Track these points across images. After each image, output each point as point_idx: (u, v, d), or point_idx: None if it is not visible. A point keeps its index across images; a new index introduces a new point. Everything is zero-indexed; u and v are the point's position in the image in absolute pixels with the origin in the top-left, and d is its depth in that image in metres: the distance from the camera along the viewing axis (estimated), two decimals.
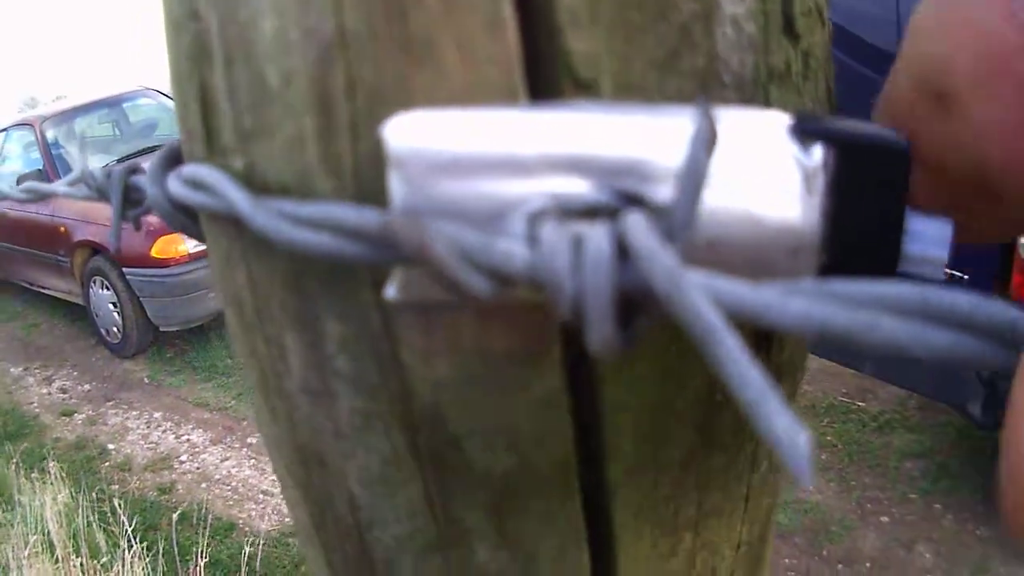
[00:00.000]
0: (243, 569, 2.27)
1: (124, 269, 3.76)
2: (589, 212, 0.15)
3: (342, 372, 0.21)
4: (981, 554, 2.05)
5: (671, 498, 0.24)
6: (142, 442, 3.40)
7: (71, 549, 2.33)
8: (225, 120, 0.21)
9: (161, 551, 2.35)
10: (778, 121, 0.16)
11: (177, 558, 2.33)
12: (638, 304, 0.13)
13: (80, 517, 2.52)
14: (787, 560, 2.15)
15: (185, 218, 0.27)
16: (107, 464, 3.28)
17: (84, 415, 3.72)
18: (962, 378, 1.90)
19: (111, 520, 2.45)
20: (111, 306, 3.98)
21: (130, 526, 2.28)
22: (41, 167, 4.42)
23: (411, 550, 0.24)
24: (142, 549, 2.28)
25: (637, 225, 0.13)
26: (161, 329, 3.94)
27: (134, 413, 3.64)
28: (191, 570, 2.26)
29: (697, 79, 0.19)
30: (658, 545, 0.25)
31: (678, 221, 0.13)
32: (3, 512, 2.70)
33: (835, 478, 2.40)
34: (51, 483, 2.69)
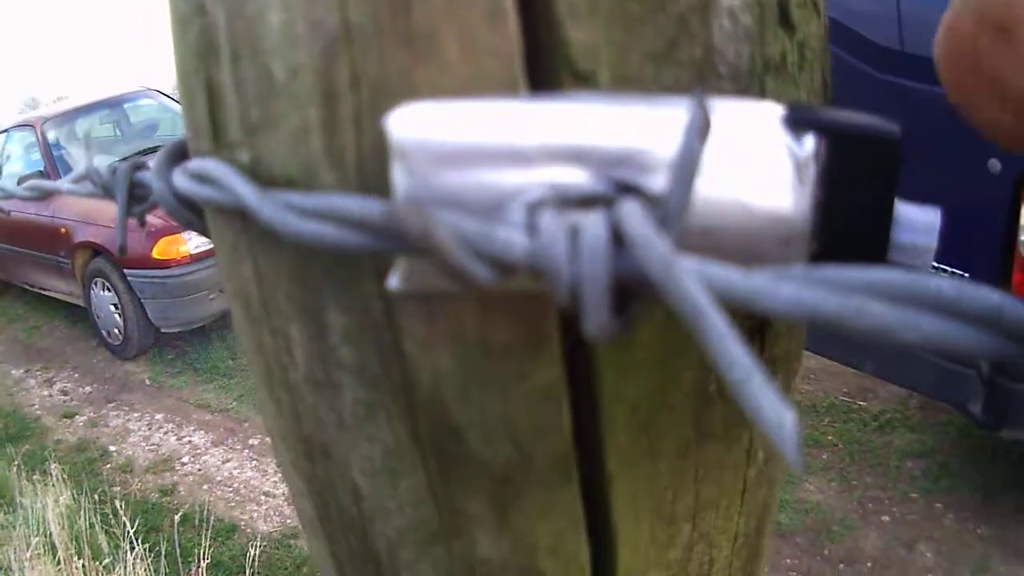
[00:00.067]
0: (246, 571, 2.27)
1: (125, 270, 3.76)
2: (586, 201, 0.15)
3: (346, 363, 0.22)
4: (982, 553, 2.05)
5: (668, 489, 0.24)
6: (143, 444, 3.40)
7: (73, 551, 2.33)
8: (232, 114, 0.22)
9: (163, 552, 2.35)
10: (771, 111, 0.16)
11: (179, 560, 2.34)
12: (633, 290, 0.14)
13: (82, 519, 2.52)
14: (788, 560, 2.15)
15: (190, 213, 0.28)
16: (109, 466, 3.28)
17: (85, 417, 3.72)
18: (963, 377, 1.90)
19: (113, 522, 2.45)
20: (112, 307, 3.98)
21: (132, 528, 2.28)
22: (42, 168, 4.42)
23: (414, 540, 0.24)
24: (144, 551, 2.28)
25: (632, 213, 0.13)
26: (162, 330, 3.94)
27: (135, 415, 3.64)
28: (193, 571, 2.26)
29: (694, 70, 0.19)
30: (656, 535, 0.25)
31: (672, 209, 0.13)
32: (5, 514, 2.70)
33: (836, 477, 2.40)
34: (53, 485, 2.69)
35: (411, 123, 0.16)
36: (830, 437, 2.56)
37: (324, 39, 0.19)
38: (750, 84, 0.20)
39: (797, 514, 2.28)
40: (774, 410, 0.10)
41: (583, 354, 0.21)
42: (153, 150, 4.49)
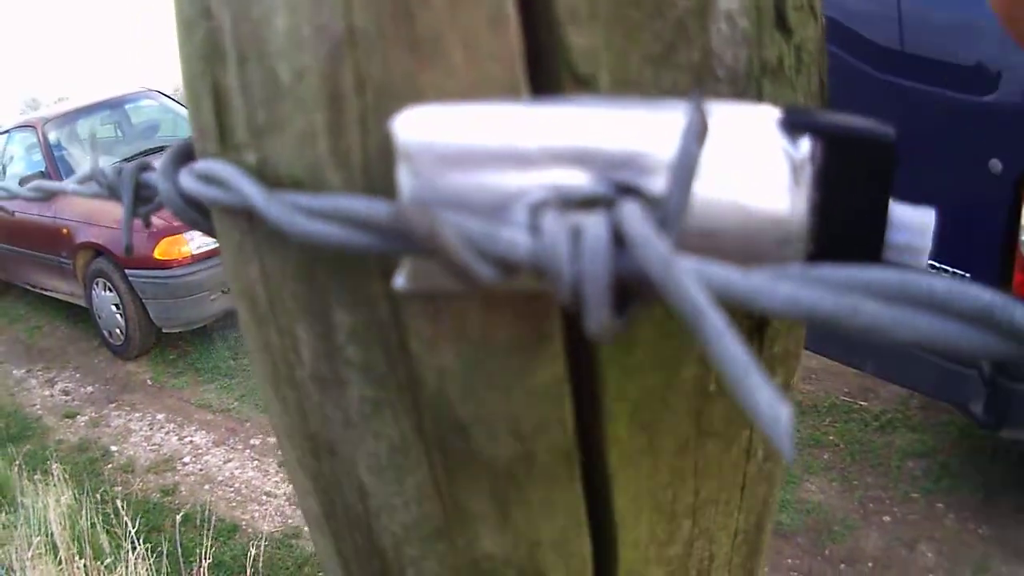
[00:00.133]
0: (248, 570, 2.27)
1: (127, 271, 3.77)
2: (588, 202, 0.15)
3: (352, 361, 0.22)
4: (983, 553, 2.05)
5: (669, 485, 0.25)
6: (145, 444, 3.41)
7: (75, 551, 2.34)
8: (238, 116, 0.22)
9: (165, 552, 2.36)
10: (768, 115, 0.16)
11: (181, 559, 2.34)
12: (633, 290, 0.14)
13: (83, 519, 2.52)
14: (790, 560, 2.15)
15: (196, 213, 0.28)
16: (110, 466, 3.28)
17: (87, 417, 3.72)
18: (964, 377, 1.90)
19: (114, 522, 2.45)
20: (113, 308, 3.98)
21: (133, 528, 2.28)
22: (43, 169, 4.43)
23: (419, 536, 0.24)
24: (146, 550, 2.29)
25: (633, 215, 0.14)
26: (164, 331, 3.95)
27: (137, 415, 3.64)
28: (195, 571, 2.26)
29: (692, 73, 0.19)
30: (657, 531, 0.25)
31: (671, 211, 0.14)
32: (6, 514, 2.70)
33: (837, 478, 2.40)
34: (54, 485, 2.69)
35: (416, 126, 0.17)
36: (831, 437, 2.56)
37: (329, 43, 0.19)
38: (747, 87, 0.20)
39: (798, 514, 2.28)
40: (770, 405, 0.11)
41: (585, 353, 0.22)
42: (155, 151, 4.50)
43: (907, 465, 2.38)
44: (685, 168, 0.14)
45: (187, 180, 0.25)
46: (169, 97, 5.28)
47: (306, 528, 2.62)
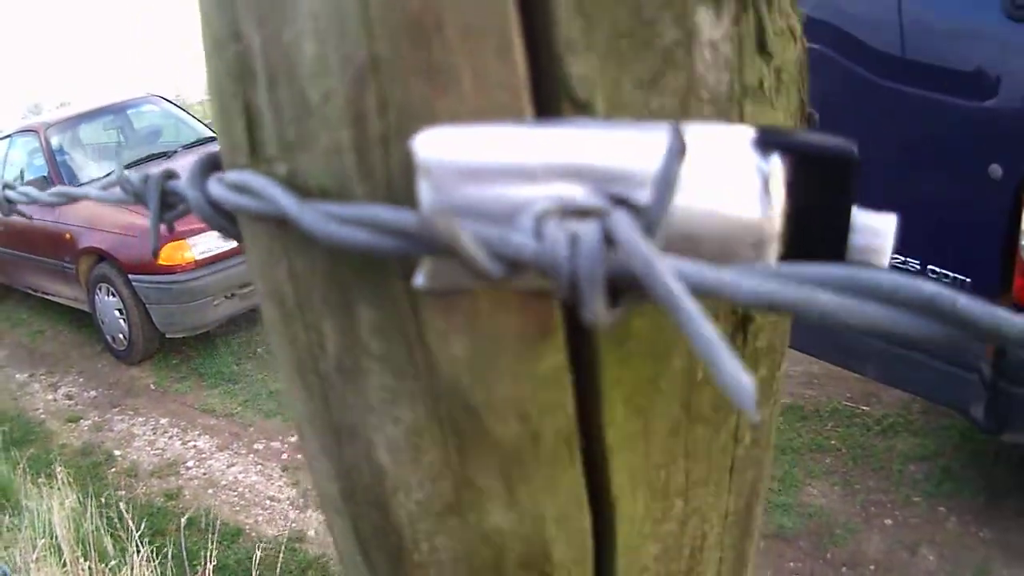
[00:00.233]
0: (252, 574, 2.29)
1: (130, 276, 3.78)
2: (584, 212, 0.18)
3: (374, 353, 0.24)
4: (984, 556, 2.06)
5: (662, 466, 0.27)
6: (148, 448, 3.42)
7: (79, 553, 2.35)
8: (269, 132, 0.24)
9: (170, 555, 2.37)
10: (743, 135, 0.19)
11: (186, 563, 2.35)
12: (624, 285, 0.16)
13: (88, 522, 2.54)
14: (791, 563, 2.16)
15: (223, 220, 0.30)
16: (114, 470, 3.30)
17: (90, 421, 3.74)
18: (965, 381, 1.90)
19: (118, 525, 2.47)
20: (117, 313, 4.00)
21: (137, 531, 2.30)
22: (46, 174, 4.45)
23: (432, 512, 0.27)
24: (150, 553, 2.30)
25: (622, 222, 0.16)
26: (167, 336, 3.96)
27: (140, 419, 3.66)
28: (199, 575, 2.28)
29: (678, 97, 0.22)
30: (651, 509, 0.28)
31: (654, 218, 0.16)
32: (11, 517, 2.72)
33: (839, 482, 2.41)
34: (58, 488, 2.70)
35: (435, 145, 0.19)
36: (833, 441, 2.57)
37: (354, 68, 0.22)
38: (729, 108, 0.23)
39: (800, 518, 2.29)
40: (734, 370, 0.13)
41: (585, 344, 0.24)
42: (157, 156, 4.52)
43: (909, 469, 2.39)
44: (666, 182, 0.16)
45: (217, 189, 0.27)
46: (171, 102, 5.31)
47: (310, 532, 2.64)
